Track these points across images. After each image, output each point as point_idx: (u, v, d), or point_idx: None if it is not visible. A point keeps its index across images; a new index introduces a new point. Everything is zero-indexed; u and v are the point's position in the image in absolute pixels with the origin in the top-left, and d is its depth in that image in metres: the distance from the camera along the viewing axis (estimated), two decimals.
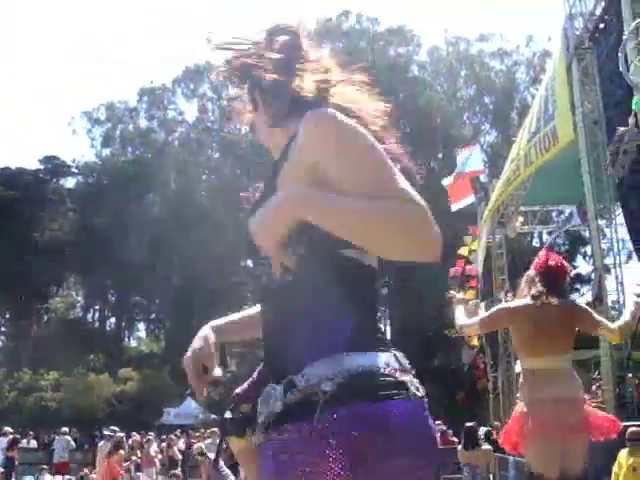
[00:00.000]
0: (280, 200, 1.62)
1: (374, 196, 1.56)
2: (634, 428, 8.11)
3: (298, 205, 1.60)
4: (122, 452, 13.68)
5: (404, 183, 1.59)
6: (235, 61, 2.05)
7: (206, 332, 2.13)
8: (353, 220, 1.57)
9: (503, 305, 5.19)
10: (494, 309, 5.12)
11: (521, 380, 4.93)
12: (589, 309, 5.08)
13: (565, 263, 5.02)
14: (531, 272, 4.96)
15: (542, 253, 5.10)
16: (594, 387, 12.52)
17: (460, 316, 5.05)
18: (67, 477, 15.92)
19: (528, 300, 4.82)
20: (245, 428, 4.91)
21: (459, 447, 9.44)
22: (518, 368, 5.05)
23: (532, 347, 4.79)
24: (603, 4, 11.53)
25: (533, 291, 4.81)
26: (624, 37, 9.53)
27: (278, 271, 1.74)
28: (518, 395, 4.95)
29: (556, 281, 4.86)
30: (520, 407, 4.85)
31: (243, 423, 4.88)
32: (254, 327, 2.11)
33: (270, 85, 1.92)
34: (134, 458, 14.98)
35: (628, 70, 9.48)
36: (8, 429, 19.71)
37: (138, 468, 16.53)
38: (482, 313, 5.16)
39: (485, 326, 5.09)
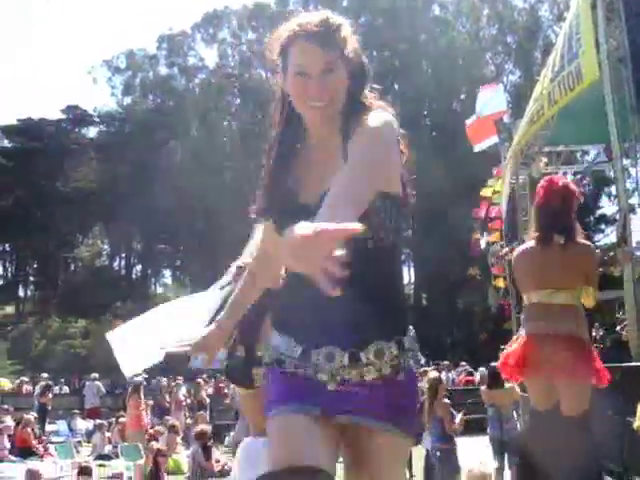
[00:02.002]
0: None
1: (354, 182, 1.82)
2: None
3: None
4: (137, 396, 14.01)
5: (363, 193, 1.82)
6: (341, 34, 2.11)
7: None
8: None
9: (513, 259, 5.19)
10: (513, 264, 5.17)
11: (522, 315, 4.99)
12: (594, 262, 4.87)
13: (570, 188, 4.87)
14: (535, 203, 4.91)
15: (543, 183, 4.98)
16: (618, 327, 12.54)
17: None
18: (99, 421, 16.24)
19: (533, 243, 4.83)
20: (248, 375, 4.94)
21: (482, 387, 9.49)
22: None
23: (531, 281, 4.80)
24: None
25: (538, 234, 4.77)
26: None
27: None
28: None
29: (560, 215, 4.76)
30: (518, 339, 4.88)
31: (244, 370, 4.90)
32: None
33: (359, 71, 2.18)
34: (150, 402, 15.27)
35: None
36: (44, 375, 20.11)
37: (166, 412, 16.86)
38: None
39: (520, 285, 5.12)
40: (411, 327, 2.23)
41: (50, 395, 18.65)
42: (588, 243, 4.98)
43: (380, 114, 2.11)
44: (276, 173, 2.22)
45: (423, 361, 2.41)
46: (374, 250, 2.08)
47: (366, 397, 2.10)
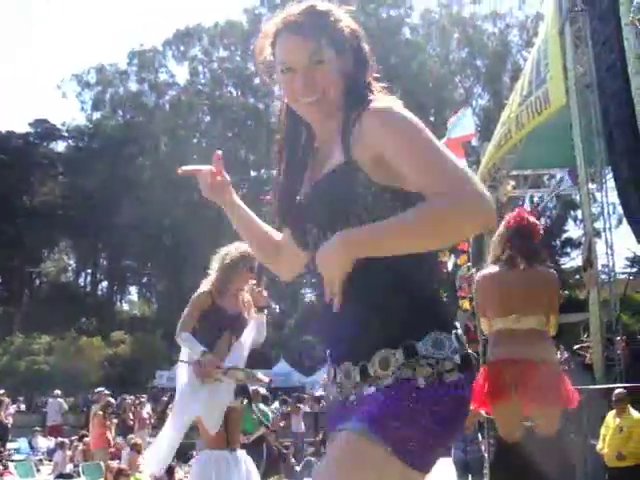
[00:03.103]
0: (337, 247, 1.76)
1: (429, 186, 1.72)
2: (620, 390, 8.21)
3: (354, 248, 1.76)
4: (103, 414, 13.82)
5: (457, 171, 1.71)
6: (336, 22, 1.97)
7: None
8: (404, 239, 1.75)
9: (476, 282, 5.15)
10: (474, 294, 5.14)
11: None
12: (556, 289, 4.96)
13: (537, 222, 4.98)
14: (502, 230, 4.93)
15: (514, 212, 5.06)
16: (576, 347, 12.65)
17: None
18: (60, 439, 16.02)
19: (497, 267, 4.83)
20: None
21: None
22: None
23: (496, 307, 4.78)
24: None
25: (505, 256, 4.79)
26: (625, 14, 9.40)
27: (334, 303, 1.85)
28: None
29: (527, 242, 4.83)
30: (483, 367, 4.87)
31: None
32: (255, 234, 2.34)
33: (361, 61, 2.02)
34: (114, 421, 15.09)
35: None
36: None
37: (130, 430, 16.66)
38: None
39: (481, 309, 5.08)
40: (439, 331, 1.90)
41: (5, 411, 18.33)
42: (551, 270, 5.05)
43: (390, 113, 1.88)
44: (282, 179, 2.12)
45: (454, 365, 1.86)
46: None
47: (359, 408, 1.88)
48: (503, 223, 4.93)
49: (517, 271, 4.73)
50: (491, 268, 4.92)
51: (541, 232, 5.02)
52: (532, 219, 4.94)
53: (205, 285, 5.53)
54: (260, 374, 5.44)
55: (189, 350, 5.38)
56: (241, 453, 5.51)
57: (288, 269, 2.33)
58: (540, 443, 4.54)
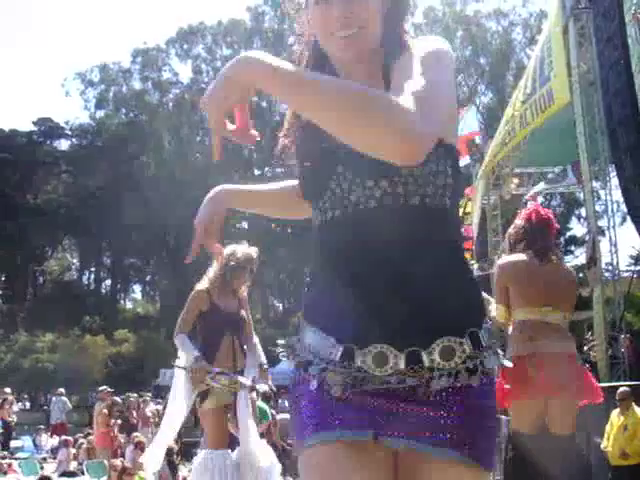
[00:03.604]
0: (229, 65, 1.48)
1: (400, 86, 1.49)
2: (624, 388, 8.21)
3: (246, 70, 1.46)
4: (106, 412, 13.86)
5: (435, 98, 1.48)
6: None
7: (218, 198, 2.08)
8: (315, 96, 1.44)
9: (501, 267, 4.90)
10: (495, 283, 4.84)
11: (510, 332, 4.76)
12: (576, 285, 4.98)
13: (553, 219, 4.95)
14: (522, 223, 4.85)
15: (532, 207, 5.00)
16: (586, 347, 12.64)
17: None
18: (64, 437, 16.04)
19: (526, 256, 4.72)
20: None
21: None
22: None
23: (527, 297, 4.63)
24: None
25: (537, 246, 4.71)
26: (628, 10, 9.38)
27: (217, 151, 1.58)
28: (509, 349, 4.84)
29: (550, 238, 4.82)
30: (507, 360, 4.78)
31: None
32: (272, 204, 2.14)
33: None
34: (119, 421, 15.11)
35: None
36: (6, 390, 19.87)
37: (134, 428, 16.68)
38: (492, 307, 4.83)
39: (502, 300, 4.77)
40: (487, 319, 1.74)
41: (9, 409, 18.36)
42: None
43: (433, 41, 1.72)
44: (303, 122, 1.76)
45: (505, 361, 1.74)
46: (426, 211, 1.64)
47: (430, 414, 1.60)
48: (522, 216, 4.87)
49: (550, 265, 4.69)
50: (521, 256, 4.74)
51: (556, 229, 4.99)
52: (551, 215, 4.92)
53: (202, 283, 5.53)
54: (243, 378, 5.42)
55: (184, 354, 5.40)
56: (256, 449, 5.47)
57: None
58: (556, 442, 4.51)
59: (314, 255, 1.80)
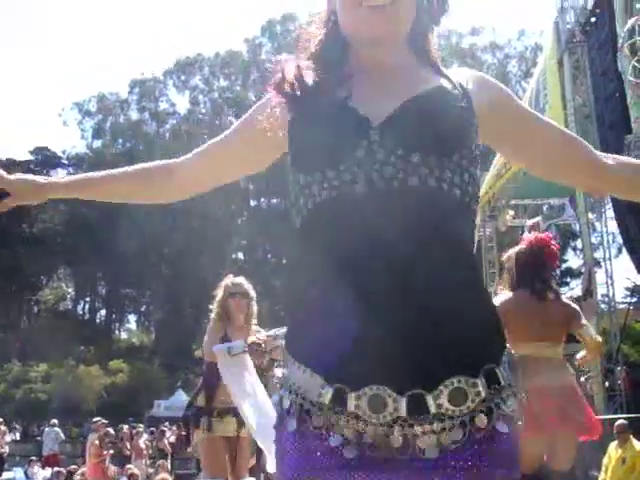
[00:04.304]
0: None
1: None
2: (621, 421, 8.16)
3: None
4: (99, 443, 13.74)
5: None
6: None
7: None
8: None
9: (502, 304, 4.83)
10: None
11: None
12: (578, 309, 4.92)
13: (556, 251, 4.94)
14: (524, 255, 4.80)
15: (538, 237, 4.93)
16: (583, 379, 12.58)
17: None
18: (57, 469, 15.87)
19: (524, 294, 4.67)
20: (199, 420, 5.14)
21: None
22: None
23: (526, 332, 4.58)
24: None
25: (537, 285, 4.70)
26: (619, 40, 9.47)
27: None
28: None
29: (550, 273, 4.81)
30: None
31: (197, 416, 5.14)
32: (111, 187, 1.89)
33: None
34: (111, 452, 14.99)
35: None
36: None
37: (127, 460, 16.54)
38: None
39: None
40: (506, 350, 1.47)
41: (1, 439, 18.18)
42: (571, 303, 5.03)
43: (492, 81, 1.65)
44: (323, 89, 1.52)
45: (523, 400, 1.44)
46: (461, 208, 1.44)
47: (439, 470, 1.32)
48: (525, 247, 4.84)
49: (548, 302, 4.68)
50: (519, 293, 4.71)
51: (556, 262, 5.01)
52: (554, 246, 4.89)
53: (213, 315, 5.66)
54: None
55: (230, 353, 5.33)
56: None
57: (183, 191, 1.90)
58: (556, 477, 4.48)
59: (303, 256, 1.53)
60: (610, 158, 1.65)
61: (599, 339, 4.88)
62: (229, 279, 5.68)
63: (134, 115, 57.09)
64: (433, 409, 1.30)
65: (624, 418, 8.40)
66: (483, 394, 1.33)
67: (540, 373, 4.51)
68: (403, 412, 1.30)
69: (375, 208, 1.36)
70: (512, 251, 4.92)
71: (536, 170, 1.72)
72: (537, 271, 4.74)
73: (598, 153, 1.65)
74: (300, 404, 1.39)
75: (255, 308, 5.73)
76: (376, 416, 1.31)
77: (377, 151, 1.39)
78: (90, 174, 1.85)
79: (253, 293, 5.73)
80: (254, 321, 5.71)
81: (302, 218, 1.48)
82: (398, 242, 1.33)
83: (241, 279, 5.73)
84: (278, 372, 1.54)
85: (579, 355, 4.89)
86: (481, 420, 1.32)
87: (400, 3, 1.48)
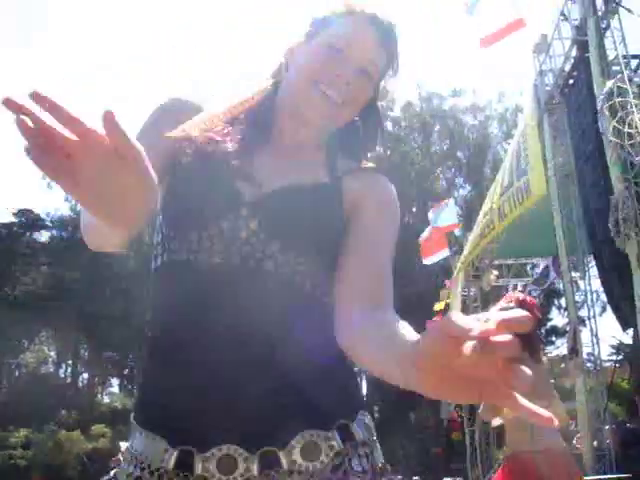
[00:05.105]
0: None
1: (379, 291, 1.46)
2: None
3: None
4: None
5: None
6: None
7: None
8: None
9: None
10: None
11: (507, 430, 4.74)
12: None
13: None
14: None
15: (522, 298, 4.90)
16: (575, 439, 12.50)
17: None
18: None
19: (524, 354, 4.66)
20: None
21: None
22: (495, 422, 4.90)
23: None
24: (572, 61, 11.78)
25: (531, 349, 4.68)
26: (598, 101, 9.63)
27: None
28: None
29: (537, 333, 4.86)
30: (503, 459, 4.76)
31: None
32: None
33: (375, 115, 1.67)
34: None
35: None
36: None
37: None
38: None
39: None
40: (364, 412, 1.45)
41: None
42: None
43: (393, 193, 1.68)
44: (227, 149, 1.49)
45: (383, 463, 1.37)
46: (310, 301, 1.45)
47: None
48: (515, 305, 4.82)
49: (540, 364, 4.69)
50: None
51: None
52: (537, 310, 4.88)
53: None
54: None
55: None
56: None
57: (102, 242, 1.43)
58: None
59: (153, 303, 1.55)
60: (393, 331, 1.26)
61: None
62: None
63: None
64: (285, 465, 1.27)
65: (614, 478, 8.33)
66: (337, 447, 1.31)
67: (538, 435, 4.49)
68: (255, 471, 1.26)
69: (226, 280, 1.36)
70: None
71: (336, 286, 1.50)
72: (533, 331, 4.77)
73: (396, 326, 1.27)
74: (136, 477, 1.31)
75: None
76: (226, 478, 1.26)
77: (241, 227, 1.40)
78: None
79: None
80: None
81: (156, 266, 1.52)
82: (243, 316, 1.32)
83: None
84: (123, 446, 1.43)
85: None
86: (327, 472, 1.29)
87: (350, 107, 1.52)
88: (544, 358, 4.96)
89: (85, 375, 57.22)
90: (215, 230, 1.40)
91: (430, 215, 18.82)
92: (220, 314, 1.33)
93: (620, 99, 8.97)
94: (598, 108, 9.54)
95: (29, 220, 55.17)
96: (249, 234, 1.39)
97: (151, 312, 1.52)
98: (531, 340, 4.70)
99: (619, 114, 8.88)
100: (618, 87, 9.07)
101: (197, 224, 1.41)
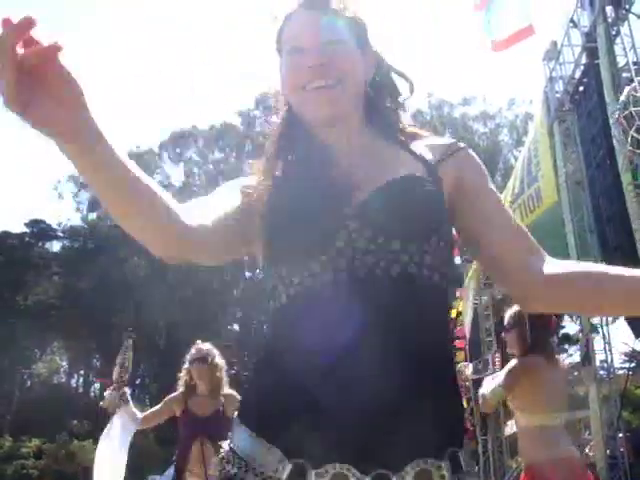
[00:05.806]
0: None
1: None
2: None
3: None
4: None
5: None
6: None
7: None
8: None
9: (518, 364, 4.72)
10: (509, 369, 4.57)
11: (521, 439, 4.63)
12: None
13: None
14: (536, 319, 4.69)
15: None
16: (587, 449, 12.42)
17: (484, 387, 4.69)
18: None
19: (540, 359, 4.56)
20: None
21: None
22: (508, 430, 4.88)
23: (545, 403, 4.47)
24: (582, 68, 11.75)
25: (548, 351, 4.65)
26: (614, 110, 9.59)
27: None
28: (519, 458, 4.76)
29: (553, 335, 4.83)
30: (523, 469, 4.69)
31: None
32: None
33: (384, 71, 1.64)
34: None
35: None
36: None
37: None
38: (497, 377, 4.66)
39: (509, 388, 4.54)
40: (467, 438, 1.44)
41: None
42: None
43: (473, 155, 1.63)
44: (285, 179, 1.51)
45: None
46: (440, 296, 1.42)
47: None
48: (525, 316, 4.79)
49: (559, 369, 4.66)
50: (536, 359, 4.56)
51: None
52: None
53: (179, 388, 5.64)
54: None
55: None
56: None
57: (172, 246, 1.55)
58: None
59: (272, 329, 1.49)
60: (565, 268, 1.54)
61: None
62: (194, 346, 5.62)
63: None
64: None
65: None
66: (447, 477, 1.28)
67: (555, 444, 4.42)
68: None
69: (357, 296, 1.32)
70: (517, 309, 4.69)
71: (479, 260, 1.64)
72: (550, 334, 4.75)
73: (561, 264, 1.55)
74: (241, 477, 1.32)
75: (223, 375, 5.62)
76: None
77: (357, 240, 1.36)
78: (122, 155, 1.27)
79: (219, 360, 5.64)
80: (225, 390, 5.59)
81: (281, 304, 1.42)
82: (380, 331, 1.29)
83: (206, 345, 5.65)
84: (224, 445, 1.41)
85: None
86: None
87: (345, 81, 1.48)
88: (562, 364, 4.91)
89: (97, 385, 57.31)
90: (333, 252, 1.36)
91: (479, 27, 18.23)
92: (358, 334, 1.29)
93: (636, 109, 8.92)
94: (614, 118, 9.50)
95: (41, 230, 55.43)
96: (366, 243, 1.36)
97: (281, 342, 1.43)
98: (544, 345, 4.68)
99: (636, 123, 8.83)
100: (632, 96, 9.04)
101: (314, 252, 1.38)
